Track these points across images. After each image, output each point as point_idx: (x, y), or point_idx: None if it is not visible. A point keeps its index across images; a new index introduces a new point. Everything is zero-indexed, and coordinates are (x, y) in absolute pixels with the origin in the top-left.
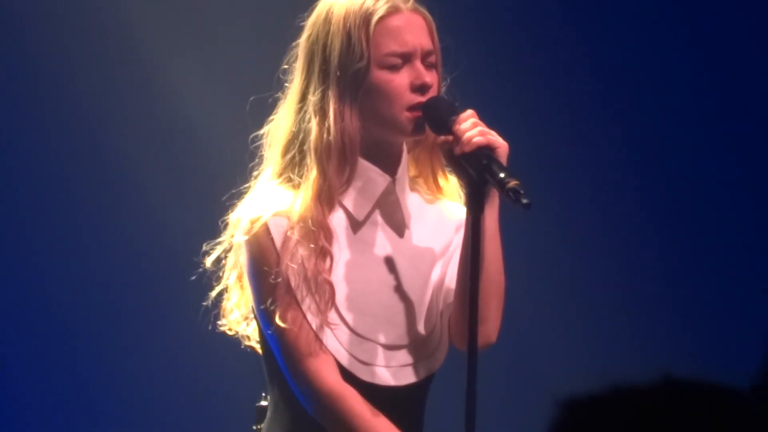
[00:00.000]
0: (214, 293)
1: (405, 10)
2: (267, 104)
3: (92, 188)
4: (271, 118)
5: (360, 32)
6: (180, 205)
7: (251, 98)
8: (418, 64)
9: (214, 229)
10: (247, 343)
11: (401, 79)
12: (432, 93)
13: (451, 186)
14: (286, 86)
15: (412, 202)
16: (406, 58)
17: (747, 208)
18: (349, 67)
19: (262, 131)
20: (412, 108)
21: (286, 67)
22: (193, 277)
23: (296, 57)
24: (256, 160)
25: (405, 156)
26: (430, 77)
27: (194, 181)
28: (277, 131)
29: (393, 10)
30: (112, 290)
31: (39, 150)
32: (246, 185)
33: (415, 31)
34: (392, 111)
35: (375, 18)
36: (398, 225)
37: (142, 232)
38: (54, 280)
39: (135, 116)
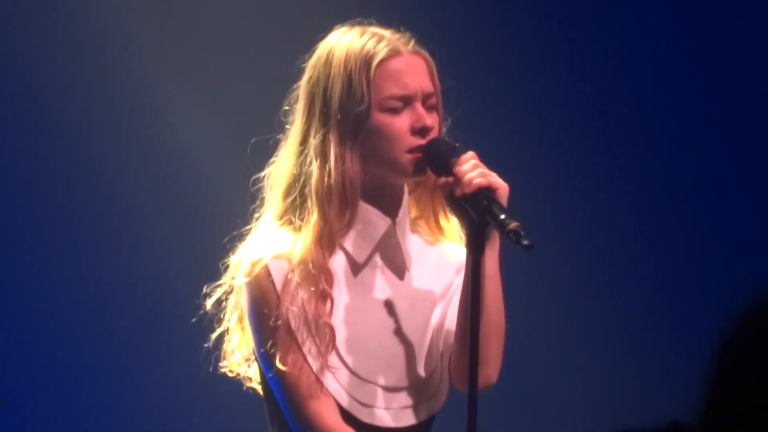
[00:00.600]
0: (215, 335)
1: (405, 52)
2: (268, 146)
3: (91, 228)
4: (272, 160)
5: (361, 75)
6: (180, 247)
7: (252, 140)
8: (419, 107)
9: (214, 271)
10: (248, 384)
11: (402, 122)
12: (432, 135)
13: (452, 227)
14: (287, 128)
15: (413, 244)
16: (407, 100)
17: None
18: (350, 110)
19: (263, 173)
20: (412, 150)
21: (287, 108)
22: (194, 320)
23: (297, 99)
24: (257, 202)
25: (406, 198)
26: (430, 119)
27: (195, 223)
28: (278, 174)
29: (393, 53)
30: (113, 333)
31: (45, 191)
32: (247, 227)
33: (416, 73)
34: (393, 153)
35: (375, 61)
36: (398, 267)
37: (142, 274)
38: (51, 322)
39: (135, 158)
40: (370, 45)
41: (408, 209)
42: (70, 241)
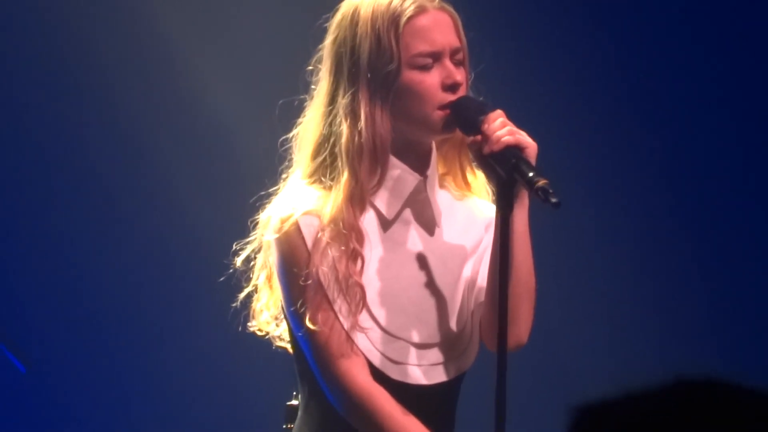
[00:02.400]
0: (243, 294)
1: (431, 9)
2: (294, 107)
3: (122, 192)
4: (299, 120)
5: (389, 33)
6: (209, 208)
7: (279, 102)
8: (448, 63)
9: (242, 231)
10: (278, 343)
11: (432, 79)
12: (462, 90)
13: (480, 183)
14: (312, 89)
15: (442, 199)
16: (436, 57)
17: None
18: (380, 69)
19: (290, 134)
20: (443, 107)
21: (311, 68)
22: (222, 278)
23: (322, 59)
24: (286, 163)
25: (434, 154)
26: (460, 75)
27: (223, 183)
28: (306, 134)
29: (420, 10)
30: (142, 292)
31: (72, 152)
32: (275, 188)
33: (443, 29)
34: (425, 110)
35: (404, 19)
36: (428, 223)
37: (170, 234)
38: (83, 282)
39: (165, 121)
40: (396, 2)
41: (436, 165)
42: (100, 203)
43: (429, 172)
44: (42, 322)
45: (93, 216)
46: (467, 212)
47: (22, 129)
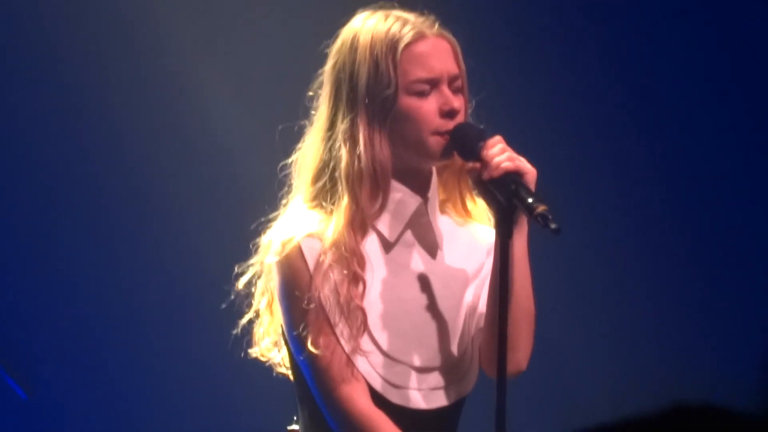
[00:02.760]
0: (244, 320)
1: (431, 35)
2: (294, 133)
3: (121, 219)
4: (299, 146)
5: (387, 59)
6: (209, 235)
7: (279, 127)
8: (446, 90)
9: (243, 257)
10: (278, 370)
11: (429, 105)
12: (460, 117)
13: (480, 210)
14: (312, 114)
15: (443, 224)
16: (434, 83)
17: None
18: (378, 95)
19: (290, 160)
20: (440, 133)
21: (311, 94)
22: (224, 305)
23: (322, 84)
24: (285, 188)
25: (435, 178)
26: (457, 102)
27: (223, 210)
28: (305, 159)
29: (419, 36)
30: (145, 319)
31: (79, 182)
32: (275, 213)
33: (442, 56)
34: (421, 136)
35: (402, 45)
36: (431, 246)
37: (172, 261)
38: (87, 310)
39: (166, 146)
40: (395, 29)
41: (437, 190)
42: (100, 228)
43: (430, 195)
44: (44, 349)
45: (94, 243)
46: (469, 237)
47: (22, 134)
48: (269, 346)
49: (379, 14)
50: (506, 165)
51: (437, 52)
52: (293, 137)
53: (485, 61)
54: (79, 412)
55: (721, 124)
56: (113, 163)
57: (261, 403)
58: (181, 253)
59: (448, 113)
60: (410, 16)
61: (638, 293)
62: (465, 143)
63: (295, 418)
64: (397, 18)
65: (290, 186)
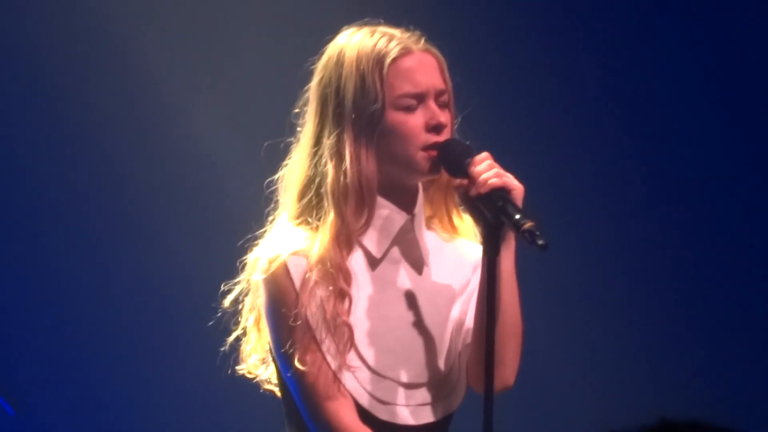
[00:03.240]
0: (231, 338)
1: (416, 50)
2: (280, 149)
3: (107, 232)
4: (285, 162)
5: (374, 74)
6: (196, 252)
7: (265, 144)
8: (432, 104)
9: (230, 274)
10: (266, 386)
11: (416, 120)
12: (446, 132)
13: (467, 225)
14: (298, 130)
15: (430, 240)
16: (420, 98)
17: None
18: (364, 110)
19: (276, 176)
20: (427, 148)
21: (297, 111)
22: (211, 323)
23: (308, 101)
24: (272, 205)
25: (421, 194)
26: (444, 117)
27: (210, 227)
28: (292, 175)
29: (405, 52)
30: (130, 337)
31: (58, 201)
32: (262, 230)
33: (428, 71)
34: (408, 152)
35: (388, 60)
36: (417, 262)
37: (158, 279)
38: (72, 325)
39: (152, 163)
40: (381, 44)
41: (423, 206)
42: (87, 245)
43: (416, 211)
44: (32, 366)
45: (81, 260)
46: (455, 253)
47: (6, 142)
48: (257, 363)
49: (365, 30)
50: (493, 181)
51: (423, 67)
52: (279, 154)
53: (471, 77)
54: (66, 429)
55: (709, 131)
56: (99, 179)
57: (248, 420)
58: (168, 270)
59: (435, 128)
60: (396, 32)
61: (625, 309)
62: (452, 159)
63: None
64: (383, 33)
65: (277, 202)
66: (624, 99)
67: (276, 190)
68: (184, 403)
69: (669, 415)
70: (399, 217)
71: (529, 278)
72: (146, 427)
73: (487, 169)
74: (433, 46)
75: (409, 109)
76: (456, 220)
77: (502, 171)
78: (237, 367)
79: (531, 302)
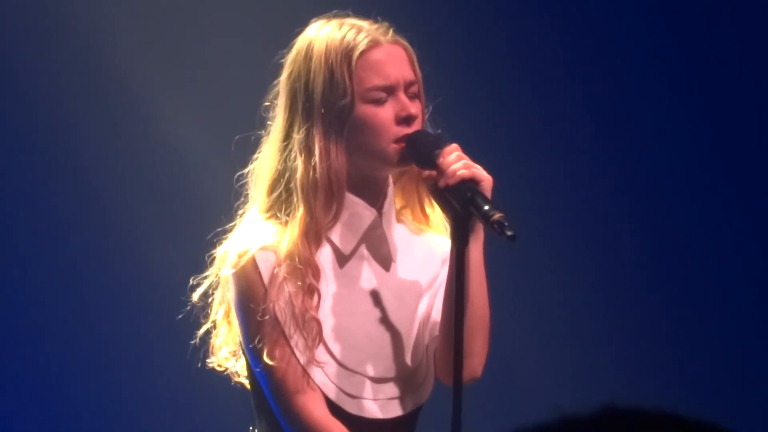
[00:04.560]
0: (201, 331)
1: (385, 42)
2: (250, 143)
3: (76, 226)
4: (255, 156)
5: (342, 68)
6: (165, 245)
7: (236, 137)
8: (402, 96)
9: (199, 268)
10: (236, 379)
11: (386, 112)
12: (417, 123)
13: (438, 215)
14: (268, 124)
15: (399, 234)
16: (390, 90)
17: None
18: (334, 104)
19: (246, 170)
20: (398, 140)
21: (267, 104)
22: (180, 316)
23: (278, 94)
24: (242, 198)
25: (391, 189)
26: (414, 108)
27: (179, 221)
28: (262, 170)
29: (373, 44)
30: (99, 331)
31: (29, 183)
32: (231, 224)
33: (397, 63)
34: (379, 144)
35: (356, 53)
36: (384, 259)
37: (126, 271)
38: (37, 321)
39: (120, 157)
40: (349, 37)
41: (393, 200)
42: (55, 240)
43: (385, 208)
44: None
45: (47, 252)
46: (424, 247)
47: None
48: (227, 356)
49: (334, 23)
50: (462, 173)
51: (392, 59)
52: (250, 148)
53: (441, 67)
54: (34, 422)
55: (684, 125)
56: (67, 172)
57: (218, 414)
58: (137, 263)
59: (405, 119)
60: (364, 24)
61: (588, 299)
62: (421, 151)
63: (251, 428)
64: (351, 26)
65: (246, 196)
66: (593, 87)
67: (246, 183)
68: (154, 397)
69: (621, 402)
70: (368, 214)
71: (492, 268)
72: (115, 421)
73: (455, 161)
74: (402, 38)
75: (378, 102)
76: (428, 209)
77: (470, 162)
78: (207, 360)
79: (496, 293)
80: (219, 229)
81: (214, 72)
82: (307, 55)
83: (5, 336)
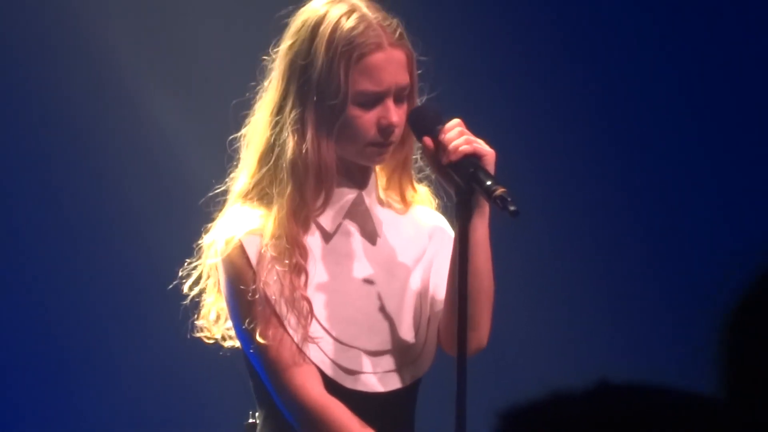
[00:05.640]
0: (187, 302)
1: (387, 46)
2: (247, 101)
3: (67, 197)
4: (248, 120)
5: (340, 64)
6: (156, 210)
7: (233, 102)
8: (390, 103)
9: (191, 235)
10: (225, 345)
11: (370, 117)
12: (398, 132)
13: (421, 198)
14: (264, 84)
15: (384, 215)
16: (379, 96)
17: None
18: (326, 98)
19: (239, 134)
20: (374, 144)
21: (266, 58)
22: (170, 287)
23: (276, 57)
24: (234, 163)
25: (375, 170)
26: (397, 116)
27: (169, 185)
28: (253, 136)
29: (375, 48)
30: (98, 303)
31: (23, 159)
32: (223, 187)
33: (393, 68)
34: (356, 146)
35: (356, 54)
36: (370, 234)
37: (118, 241)
38: (31, 295)
39: (109, 123)
40: (355, 33)
41: (376, 180)
42: (49, 210)
43: (369, 185)
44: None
45: (44, 237)
46: (411, 223)
47: None
48: (213, 322)
49: (345, 7)
50: (464, 148)
51: (390, 65)
52: (248, 106)
53: (447, 55)
54: (30, 397)
55: (688, 119)
56: (54, 141)
57: (217, 399)
58: (130, 231)
59: (386, 128)
60: (374, 18)
61: (581, 275)
62: (423, 126)
63: (251, 412)
64: (361, 19)
65: (238, 159)
66: (595, 76)
67: (238, 147)
68: (153, 379)
69: (612, 377)
70: (351, 192)
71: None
72: (114, 401)
73: (457, 136)
74: (406, 37)
75: (365, 105)
76: (409, 195)
77: (472, 137)
78: (197, 322)
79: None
80: (210, 194)
81: (200, 42)
82: (312, 35)
83: (5, 319)
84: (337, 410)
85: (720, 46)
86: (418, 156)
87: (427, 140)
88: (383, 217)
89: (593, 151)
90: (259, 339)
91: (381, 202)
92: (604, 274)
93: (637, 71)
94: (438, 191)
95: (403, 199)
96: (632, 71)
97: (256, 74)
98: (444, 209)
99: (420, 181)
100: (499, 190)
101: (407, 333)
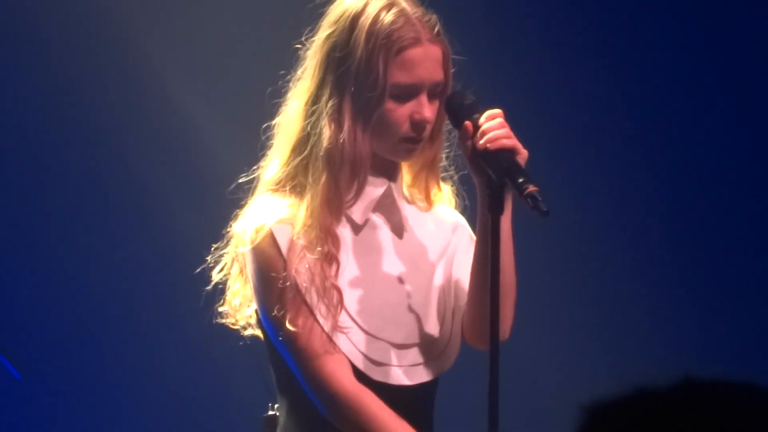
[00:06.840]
0: (210, 286)
1: (425, 41)
2: (278, 90)
3: (94, 185)
4: (282, 108)
5: (379, 57)
6: (185, 197)
7: (268, 90)
8: (423, 98)
9: (220, 221)
10: (245, 333)
11: (403, 111)
12: (429, 129)
13: (444, 195)
14: (299, 74)
15: (409, 211)
16: (414, 90)
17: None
18: (364, 90)
19: (274, 121)
20: (406, 140)
21: (299, 47)
22: (198, 271)
23: (311, 47)
24: (266, 151)
25: (401, 166)
26: (430, 111)
27: (199, 176)
28: (287, 125)
29: (414, 42)
30: (119, 294)
31: (49, 153)
32: (253, 176)
33: (430, 64)
34: (389, 140)
35: (396, 48)
36: (397, 227)
37: (146, 226)
38: (69, 286)
39: (140, 117)
40: (396, 25)
41: (402, 174)
42: (76, 201)
43: (397, 179)
44: (34, 327)
45: (72, 217)
46: (434, 219)
47: None
48: (239, 309)
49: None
50: (505, 141)
51: (427, 60)
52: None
53: (478, 52)
54: (70, 391)
55: (704, 113)
56: (86, 131)
57: (236, 391)
58: (158, 216)
59: (419, 123)
60: (413, 13)
61: (645, 270)
62: (462, 108)
63: (270, 404)
64: (400, 14)
65: (271, 147)
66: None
67: (272, 135)
68: (171, 374)
69: (693, 373)
70: (381, 185)
71: (534, 234)
72: (133, 400)
73: (498, 127)
74: (443, 34)
75: (399, 99)
76: (434, 192)
77: (511, 132)
78: (221, 308)
79: (546, 256)
80: (240, 181)
81: (232, 34)
82: (352, 26)
83: (43, 308)
84: (369, 399)
85: (751, 43)
86: (443, 155)
87: (469, 124)
88: (408, 212)
89: (619, 148)
90: (289, 327)
91: (405, 198)
92: (682, 267)
93: (662, 74)
94: (458, 191)
95: (428, 197)
96: (655, 74)
97: (285, 63)
98: (463, 209)
99: (442, 180)
100: (532, 188)
101: (433, 327)
